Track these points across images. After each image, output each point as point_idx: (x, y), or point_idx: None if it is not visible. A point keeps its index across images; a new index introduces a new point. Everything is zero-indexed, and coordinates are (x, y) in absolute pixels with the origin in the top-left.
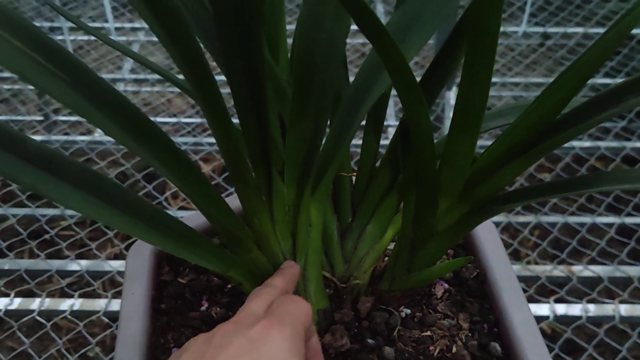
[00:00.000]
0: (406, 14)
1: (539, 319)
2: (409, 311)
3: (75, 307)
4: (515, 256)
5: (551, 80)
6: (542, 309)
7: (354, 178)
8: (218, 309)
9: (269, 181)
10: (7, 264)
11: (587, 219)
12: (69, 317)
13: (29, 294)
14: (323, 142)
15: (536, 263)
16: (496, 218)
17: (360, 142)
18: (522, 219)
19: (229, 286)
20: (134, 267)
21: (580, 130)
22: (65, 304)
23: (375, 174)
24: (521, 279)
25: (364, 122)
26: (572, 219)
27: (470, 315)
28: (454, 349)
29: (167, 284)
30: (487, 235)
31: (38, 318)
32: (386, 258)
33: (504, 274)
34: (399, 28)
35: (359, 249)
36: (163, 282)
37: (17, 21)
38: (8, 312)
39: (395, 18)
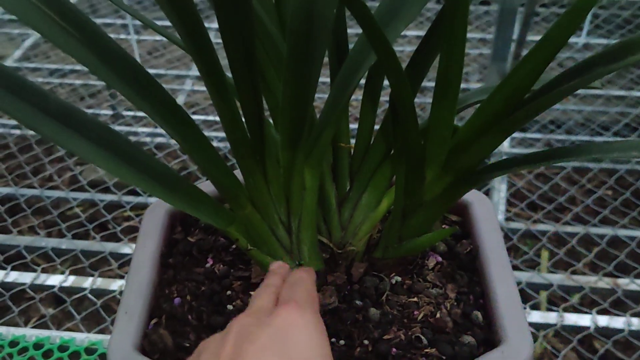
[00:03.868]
0: None
1: (580, 329)
2: (399, 279)
3: None
4: (561, 265)
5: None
6: (583, 319)
7: (353, 150)
8: (221, 266)
9: (261, 141)
10: (64, 243)
11: (637, 233)
12: (118, 297)
13: (83, 273)
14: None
15: (583, 273)
16: (543, 227)
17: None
18: (570, 229)
19: (234, 246)
20: (148, 225)
21: (551, 100)
22: (115, 284)
23: (371, 146)
24: (564, 288)
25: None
26: (622, 232)
27: (459, 286)
28: (438, 315)
29: (177, 242)
30: (485, 214)
31: (90, 296)
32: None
33: (495, 249)
34: (389, 6)
35: (355, 217)
36: (174, 240)
37: None
38: (62, 289)
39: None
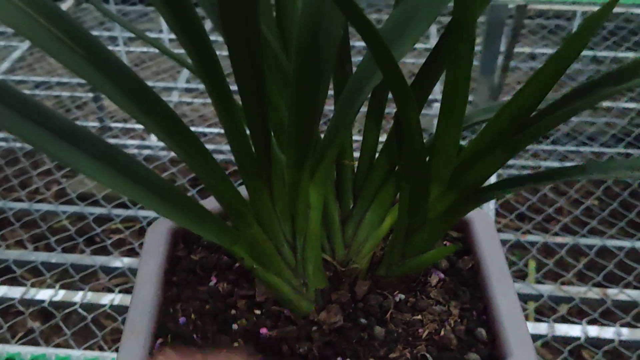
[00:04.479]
0: (404, 12)
1: (570, 339)
2: (403, 296)
3: (115, 302)
4: (550, 277)
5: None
6: (573, 330)
7: (356, 167)
8: (225, 284)
9: (267, 159)
10: (54, 257)
11: (626, 243)
12: (109, 311)
13: (73, 287)
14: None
15: (571, 284)
16: (534, 238)
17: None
18: (559, 239)
19: (237, 265)
20: (151, 242)
21: (557, 119)
22: (106, 299)
23: (374, 164)
24: (554, 299)
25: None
26: (611, 242)
27: (461, 302)
28: (442, 332)
29: (180, 259)
30: (485, 230)
31: (80, 311)
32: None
33: (496, 265)
34: (396, 25)
35: (359, 234)
36: (177, 257)
37: (46, 4)
38: (52, 303)
39: (394, 15)
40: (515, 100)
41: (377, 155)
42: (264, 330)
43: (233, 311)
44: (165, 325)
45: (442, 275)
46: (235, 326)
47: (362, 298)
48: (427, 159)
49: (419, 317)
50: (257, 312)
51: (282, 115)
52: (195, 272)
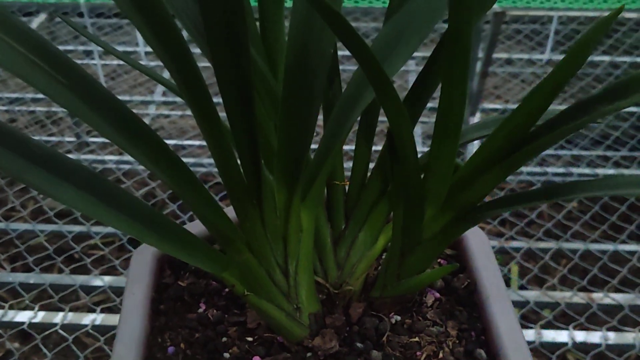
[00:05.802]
0: (394, 29)
1: (557, 345)
2: (399, 318)
3: (97, 322)
4: (535, 282)
5: None
6: (561, 335)
7: (347, 187)
8: (215, 311)
9: (258, 184)
10: (32, 278)
11: (609, 247)
12: (91, 331)
13: (53, 308)
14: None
15: (556, 289)
16: (517, 244)
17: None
18: (543, 245)
19: (227, 290)
20: (136, 270)
21: (556, 138)
22: (88, 319)
23: (367, 183)
24: (540, 304)
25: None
26: (594, 246)
27: (459, 323)
28: (441, 355)
29: (167, 287)
30: (480, 247)
31: (60, 332)
32: (380, 267)
33: (493, 284)
34: (387, 42)
35: (352, 255)
36: (164, 284)
37: (19, 27)
38: (32, 325)
39: (385, 32)
40: (514, 117)
41: (369, 173)
42: (256, 359)
43: (224, 339)
44: (154, 356)
45: (437, 295)
46: (226, 355)
47: (357, 321)
48: (422, 177)
49: (416, 339)
50: (249, 339)
51: (269, 136)
52: (184, 300)
